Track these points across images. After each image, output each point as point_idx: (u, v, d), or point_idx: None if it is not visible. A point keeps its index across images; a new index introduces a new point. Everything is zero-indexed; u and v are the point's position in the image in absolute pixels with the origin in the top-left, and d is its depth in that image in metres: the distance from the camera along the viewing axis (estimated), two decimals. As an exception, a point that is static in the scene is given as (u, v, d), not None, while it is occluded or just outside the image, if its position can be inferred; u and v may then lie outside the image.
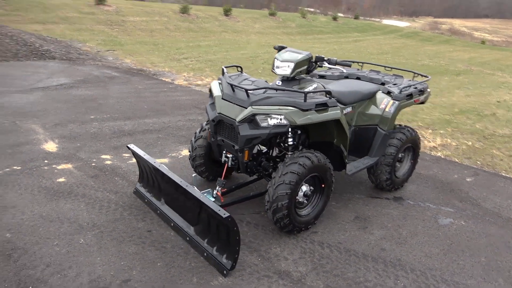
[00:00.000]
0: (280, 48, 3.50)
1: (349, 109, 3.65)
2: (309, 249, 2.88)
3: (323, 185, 3.11)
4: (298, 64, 3.07)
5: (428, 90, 4.00)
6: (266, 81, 3.26)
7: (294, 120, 2.76)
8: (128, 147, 3.37)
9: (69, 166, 3.97)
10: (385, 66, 4.36)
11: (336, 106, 2.99)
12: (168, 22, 21.26)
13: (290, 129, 3.14)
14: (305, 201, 3.08)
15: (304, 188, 3.00)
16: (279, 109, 2.78)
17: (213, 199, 3.17)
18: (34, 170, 3.82)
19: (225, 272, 2.53)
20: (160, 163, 3.06)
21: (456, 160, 5.03)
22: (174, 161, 4.27)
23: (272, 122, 2.82)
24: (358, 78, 4.14)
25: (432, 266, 2.80)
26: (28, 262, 2.52)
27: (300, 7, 44.64)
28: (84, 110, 5.91)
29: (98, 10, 19.56)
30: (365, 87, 3.78)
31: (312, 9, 61.57)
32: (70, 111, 5.82)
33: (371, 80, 4.02)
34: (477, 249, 3.05)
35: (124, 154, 4.35)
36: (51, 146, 4.43)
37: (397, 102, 3.59)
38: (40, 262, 2.53)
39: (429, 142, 5.65)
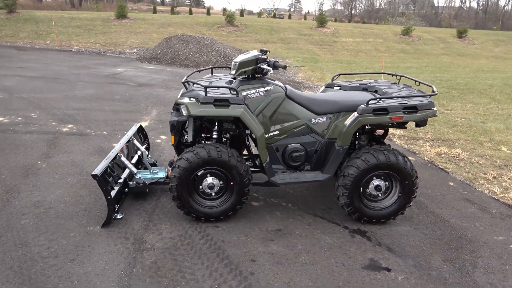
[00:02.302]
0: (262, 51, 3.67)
1: (321, 119, 3.34)
2: (187, 236, 2.96)
3: (232, 183, 3.08)
4: (241, 65, 3.19)
5: (434, 109, 3.08)
6: (232, 80, 3.48)
7: (189, 111, 2.96)
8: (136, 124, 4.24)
9: (132, 137, 5.20)
10: (415, 80, 3.57)
11: (240, 104, 2.94)
12: (381, 44, 21.13)
13: (217, 123, 3.28)
14: (212, 194, 3.14)
15: (210, 180, 3.08)
16: (184, 100, 3.03)
17: (163, 176, 3.65)
18: (110, 135, 5.24)
19: (103, 223, 3.03)
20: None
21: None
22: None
23: None
24: (375, 91, 3.61)
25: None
26: (20, 184, 3.76)
27: None
28: (201, 106, 7.20)
29: (316, 32, 21.53)
30: (352, 98, 3.34)
31: None
32: (191, 105, 7.22)
33: (383, 94, 3.45)
34: (366, 306, 2.32)
35: (176, 138, 5.26)
36: (143, 124, 5.83)
37: (356, 115, 3.03)
38: (25, 185, 3.70)
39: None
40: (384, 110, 3.00)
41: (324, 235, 3.07)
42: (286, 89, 3.34)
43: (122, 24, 19.50)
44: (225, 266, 2.62)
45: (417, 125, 3.29)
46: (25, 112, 6.17)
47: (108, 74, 10.14)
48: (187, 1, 72.05)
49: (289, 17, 46.31)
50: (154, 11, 32.20)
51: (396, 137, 5.78)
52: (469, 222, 3.39)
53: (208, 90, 2.96)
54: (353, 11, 71.62)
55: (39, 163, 4.21)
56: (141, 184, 3.41)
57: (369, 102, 3.02)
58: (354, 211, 3.17)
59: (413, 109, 3.02)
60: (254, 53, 3.29)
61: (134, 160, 3.80)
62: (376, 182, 3.16)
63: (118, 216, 3.18)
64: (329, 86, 3.95)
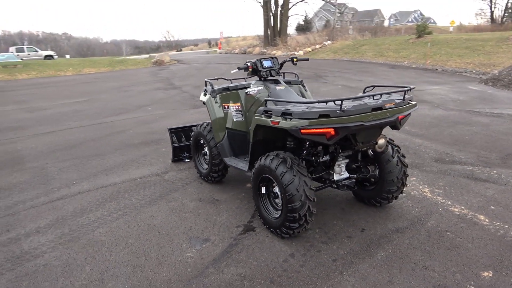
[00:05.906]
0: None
1: None
2: (169, 183, 4.35)
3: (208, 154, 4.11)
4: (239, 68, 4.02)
5: (309, 121, 2.53)
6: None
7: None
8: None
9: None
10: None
11: (209, 94, 3.88)
12: None
13: None
14: (206, 159, 4.28)
15: (206, 149, 4.25)
16: None
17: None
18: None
19: (171, 159, 4.99)
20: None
21: None
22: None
23: None
24: None
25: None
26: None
27: None
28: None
29: None
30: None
31: None
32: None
33: None
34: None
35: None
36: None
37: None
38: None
39: None
40: (269, 113, 2.97)
41: (218, 217, 3.49)
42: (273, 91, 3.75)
43: (517, 44, 17.38)
44: (129, 210, 3.69)
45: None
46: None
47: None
48: None
49: None
50: None
51: None
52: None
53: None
54: None
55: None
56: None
57: (266, 103, 3.08)
58: (256, 208, 3.29)
59: (289, 115, 2.76)
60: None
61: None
62: (276, 189, 3.10)
63: (186, 160, 5.00)
64: (358, 97, 3.67)
